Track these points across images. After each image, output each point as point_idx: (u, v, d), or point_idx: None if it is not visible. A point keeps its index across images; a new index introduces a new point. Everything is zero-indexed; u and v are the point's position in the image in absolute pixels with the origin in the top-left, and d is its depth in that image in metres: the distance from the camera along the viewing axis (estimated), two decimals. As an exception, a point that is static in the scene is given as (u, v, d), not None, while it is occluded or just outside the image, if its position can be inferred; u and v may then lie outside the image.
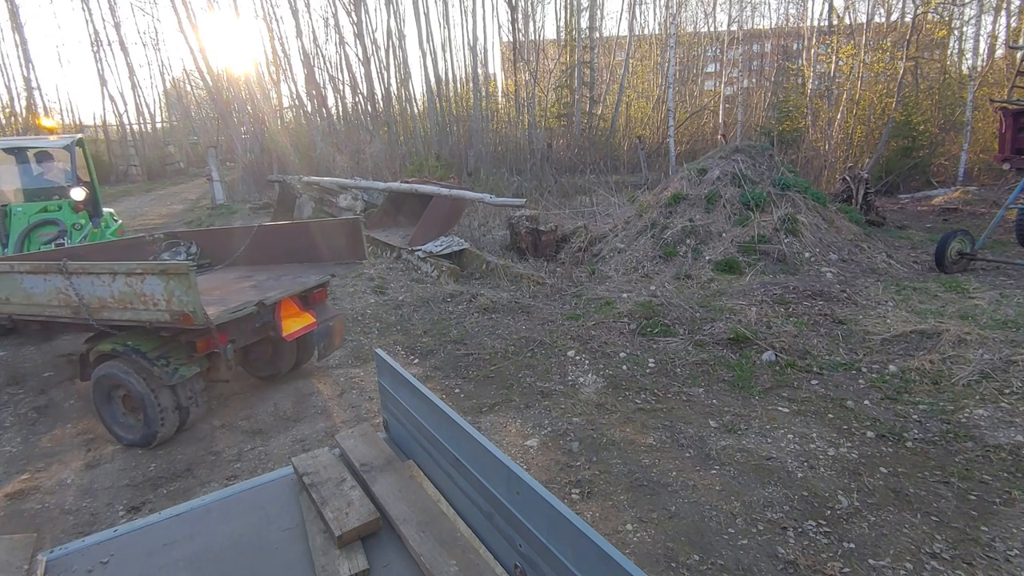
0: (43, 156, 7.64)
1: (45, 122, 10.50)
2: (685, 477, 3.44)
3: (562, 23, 24.03)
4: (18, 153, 7.48)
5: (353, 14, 21.20)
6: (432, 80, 21.23)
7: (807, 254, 7.73)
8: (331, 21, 30.14)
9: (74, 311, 3.87)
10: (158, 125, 33.48)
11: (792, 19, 25.69)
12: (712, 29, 28.04)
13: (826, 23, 21.12)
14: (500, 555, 1.34)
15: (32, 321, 4.35)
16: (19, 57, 25.88)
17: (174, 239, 5.93)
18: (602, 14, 31.09)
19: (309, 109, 23.45)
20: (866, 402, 4.23)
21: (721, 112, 21.71)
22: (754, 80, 25.47)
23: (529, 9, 23.92)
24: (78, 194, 6.99)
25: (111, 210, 7.94)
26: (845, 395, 4.36)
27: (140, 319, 3.66)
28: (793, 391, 4.48)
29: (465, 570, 1.26)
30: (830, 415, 4.09)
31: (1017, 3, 18.04)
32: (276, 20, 23.32)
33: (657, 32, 28.16)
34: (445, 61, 30.64)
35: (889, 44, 17.16)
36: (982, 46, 19.00)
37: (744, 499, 3.20)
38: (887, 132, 14.95)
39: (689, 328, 5.72)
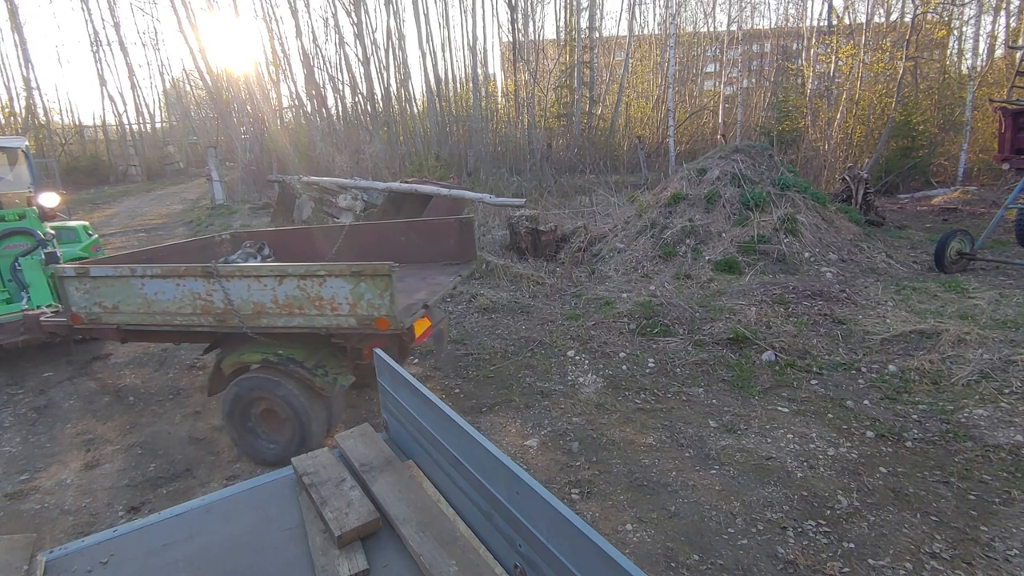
0: None
1: None
2: (685, 477, 3.45)
3: (562, 23, 24.06)
4: None
5: (353, 14, 21.21)
6: (432, 80, 21.24)
7: (807, 254, 7.74)
8: (331, 21, 30.19)
9: (218, 319, 3.46)
10: (158, 125, 33.56)
11: (792, 19, 25.77)
12: (712, 29, 28.08)
13: (826, 23, 21.14)
14: (500, 555, 1.34)
15: (128, 331, 3.82)
16: (18, 57, 25.96)
17: (241, 239, 5.57)
18: (602, 14, 31.10)
19: (309, 109, 23.48)
20: (866, 402, 4.23)
21: (721, 112, 21.71)
22: (754, 80, 25.49)
23: (529, 9, 23.93)
24: (49, 199, 6.03)
25: (85, 223, 7.02)
26: (845, 395, 4.36)
27: (314, 325, 3.32)
28: (793, 391, 4.48)
29: (465, 570, 1.26)
30: (830, 415, 4.09)
31: (1017, 3, 18.05)
32: (276, 20, 23.49)
33: (657, 32, 28.18)
34: (445, 61, 30.63)
35: (889, 44, 17.14)
36: (982, 46, 19.03)
37: (744, 499, 3.20)
38: (887, 132, 14.94)
39: (689, 328, 5.72)
